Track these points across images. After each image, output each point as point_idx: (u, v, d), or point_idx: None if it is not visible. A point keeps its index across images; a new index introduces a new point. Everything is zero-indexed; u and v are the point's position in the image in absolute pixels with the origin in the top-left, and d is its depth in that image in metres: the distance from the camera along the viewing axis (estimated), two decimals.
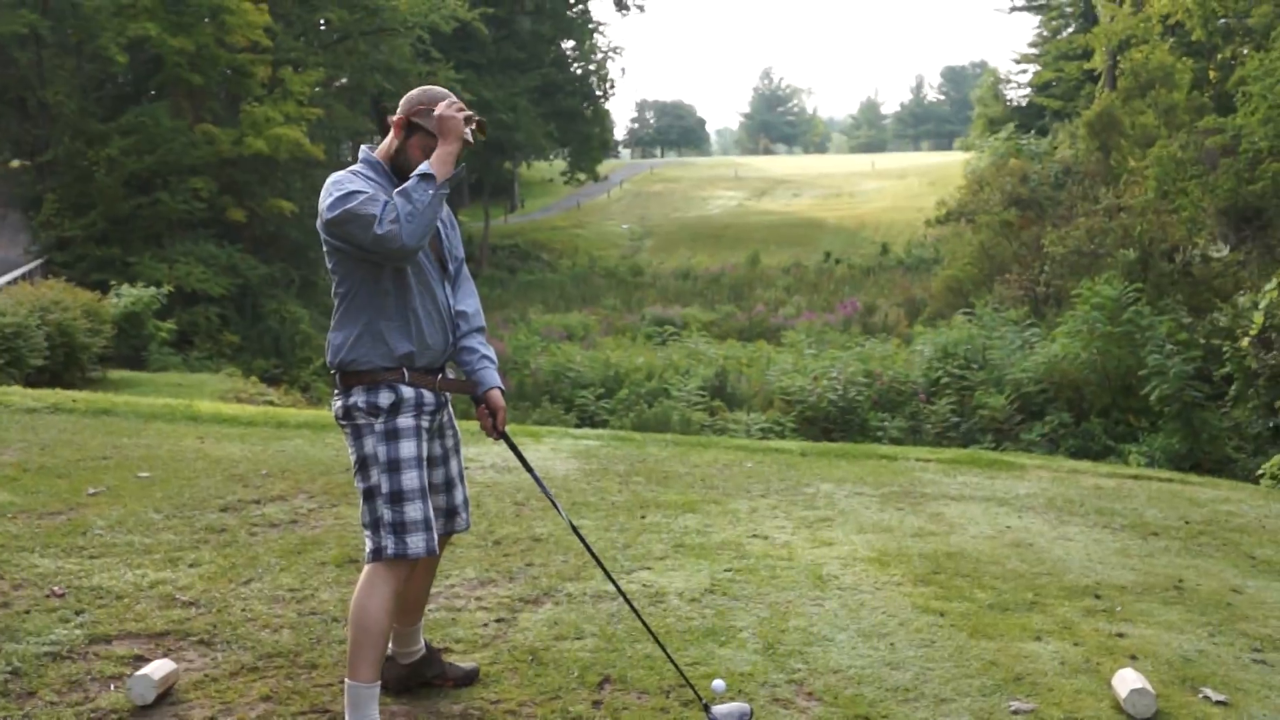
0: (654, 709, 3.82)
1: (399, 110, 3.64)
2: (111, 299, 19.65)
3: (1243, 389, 17.54)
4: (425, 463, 3.60)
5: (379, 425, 3.52)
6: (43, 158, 31.51)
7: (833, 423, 18.80)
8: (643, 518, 6.35)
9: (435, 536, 3.56)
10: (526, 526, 6.05)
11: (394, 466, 3.51)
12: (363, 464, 3.54)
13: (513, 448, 3.92)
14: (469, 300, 3.82)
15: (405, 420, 3.53)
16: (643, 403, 21.24)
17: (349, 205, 3.37)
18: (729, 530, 6.14)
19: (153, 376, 18.58)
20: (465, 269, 3.88)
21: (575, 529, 4.00)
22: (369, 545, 3.53)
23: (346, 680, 3.46)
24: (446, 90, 3.67)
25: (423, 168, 3.47)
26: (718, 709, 3.70)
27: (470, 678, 4.01)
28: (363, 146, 3.73)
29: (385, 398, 3.51)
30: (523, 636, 4.44)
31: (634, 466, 7.84)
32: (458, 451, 3.86)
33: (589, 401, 21.92)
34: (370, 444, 3.52)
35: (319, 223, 3.49)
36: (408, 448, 3.52)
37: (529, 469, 3.90)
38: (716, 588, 5.12)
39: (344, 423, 3.58)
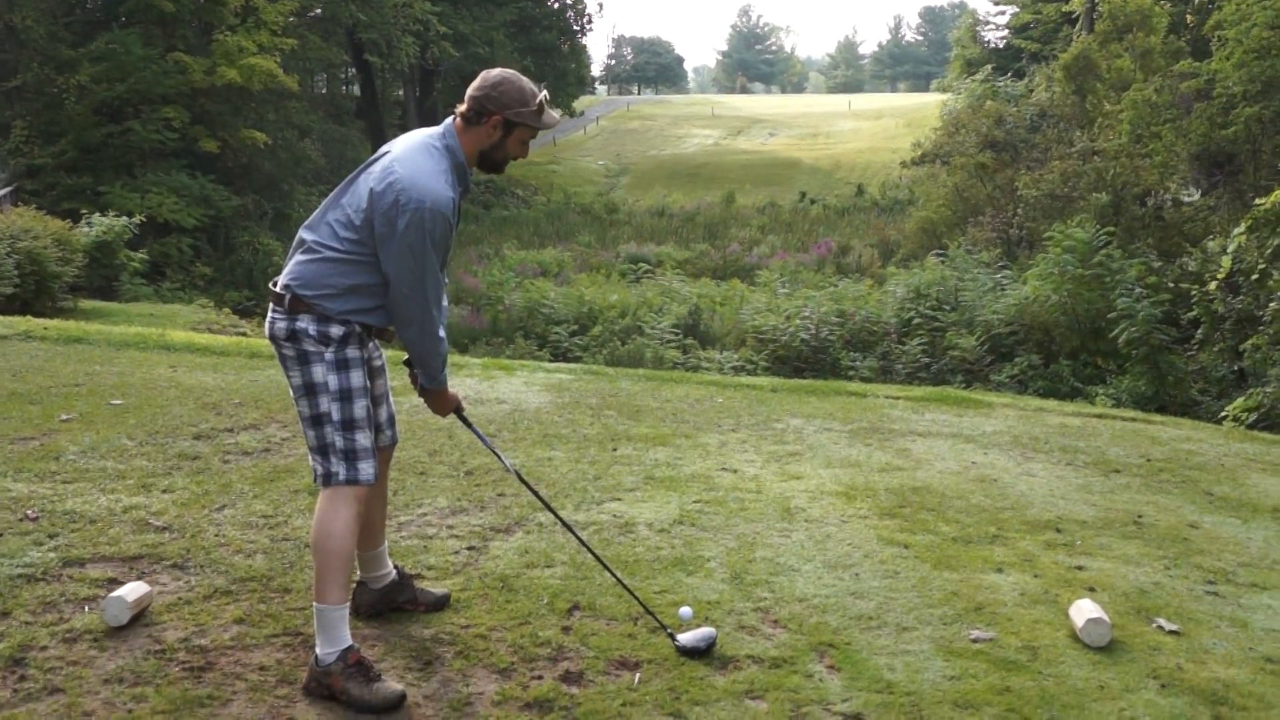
0: (622, 634, 3.90)
1: (490, 105, 3.57)
2: (82, 228, 19.48)
3: (1209, 333, 17.71)
4: (370, 392, 3.66)
5: (329, 354, 3.52)
6: (11, 84, 31.04)
7: (804, 362, 18.90)
8: (614, 450, 6.41)
9: (375, 465, 3.61)
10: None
11: (345, 395, 3.53)
12: (310, 390, 3.54)
13: (463, 420, 3.98)
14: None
15: (353, 351, 3.55)
16: (616, 340, 21.28)
17: (426, 296, 3.50)
18: (699, 463, 6.21)
19: (124, 307, 18.47)
20: None
21: (520, 477, 4.04)
22: (319, 470, 3.56)
23: (315, 604, 3.51)
24: (533, 86, 3.65)
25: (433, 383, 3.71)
26: (683, 636, 3.78)
27: (441, 603, 4.07)
28: (448, 124, 3.64)
29: (336, 330, 3.52)
30: (493, 564, 4.51)
31: (606, 400, 7.89)
32: (384, 371, 3.85)
33: (562, 338, 21.94)
34: (320, 372, 3.53)
35: (389, 225, 3.42)
36: (357, 377, 3.55)
37: (471, 428, 3.96)
38: (685, 519, 5.19)
39: (287, 345, 3.54)
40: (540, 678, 3.58)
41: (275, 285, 3.58)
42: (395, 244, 3.40)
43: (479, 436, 3.96)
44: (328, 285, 3.52)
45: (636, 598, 3.98)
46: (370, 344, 3.70)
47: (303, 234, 3.61)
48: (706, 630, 3.84)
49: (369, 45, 46.02)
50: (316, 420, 3.55)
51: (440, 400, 3.81)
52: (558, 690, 3.50)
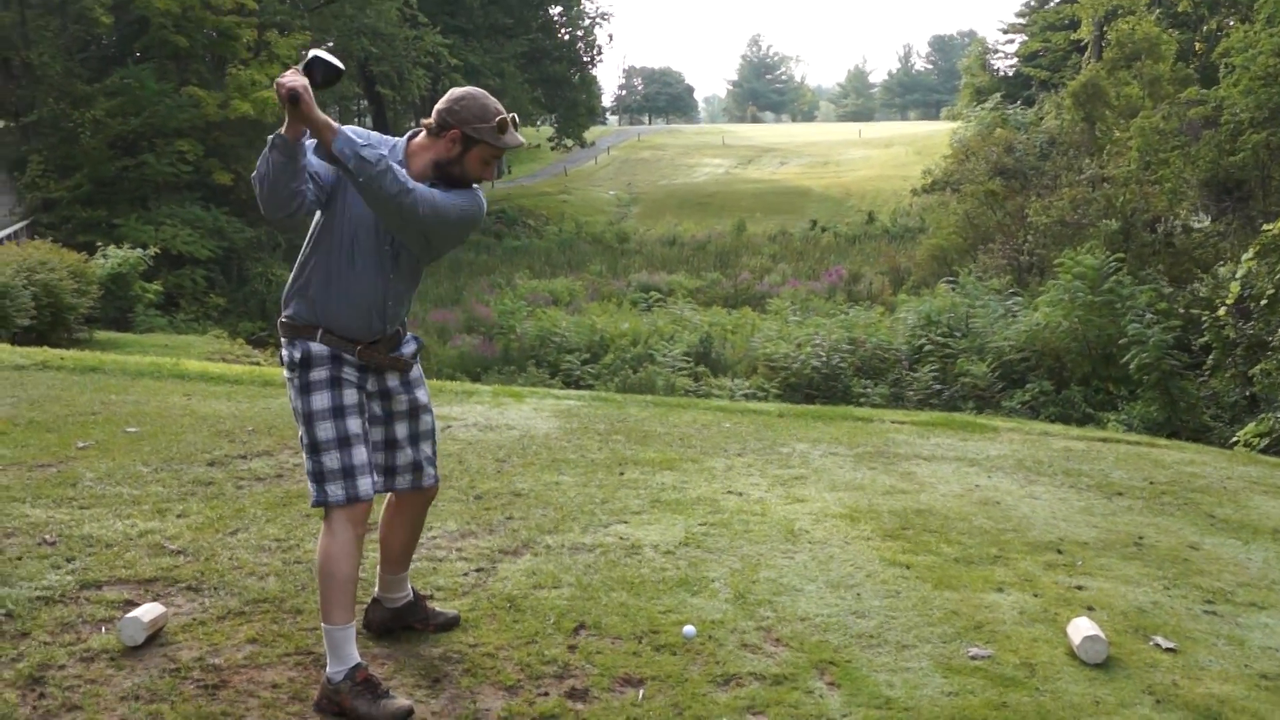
0: (627, 653, 3.97)
1: (450, 118, 3.62)
2: (98, 260, 19.71)
3: (1221, 358, 17.74)
4: (347, 411, 3.65)
5: (296, 379, 3.64)
6: (27, 118, 31.42)
7: (816, 389, 18.96)
8: (621, 474, 6.50)
9: (359, 485, 3.63)
10: (507, 482, 6.19)
11: (308, 419, 3.62)
12: (295, 415, 3.70)
13: None
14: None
15: (317, 374, 3.63)
16: (628, 368, 21.37)
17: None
18: (705, 487, 6.29)
19: (139, 338, 18.65)
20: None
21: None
22: (310, 493, 3.70)
23: (322, 624, 3.60)
24: (498, 105, 3.67)
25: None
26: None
27: (451, 624, 4.16)
28: (407, 136, 3.76)
29: (298, 352, 3.64)
30: (501, 585, 4.59)
31: (614, 426, 7.98)
32: (409, 417, 3.88)
33: (574, 366, 22.04)
34: (292, 397, 3.67)
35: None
36: (319, 400, 3.62)
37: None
38: (691, 540, 5.27)
39: (285, 375, 3.75)
40: (546, 694, 3.65)
41: None
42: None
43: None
44: (289, 285, 3.73)
45: None
46: (388, 383, 3.81)
47: None
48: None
49: (380, 78, 46.45)
50: (302, 444, 3.70)
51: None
52: (563, 706, 3.57)
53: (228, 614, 4.18)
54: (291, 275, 3.74)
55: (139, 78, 30.98)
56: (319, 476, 3.63)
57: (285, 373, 3.69)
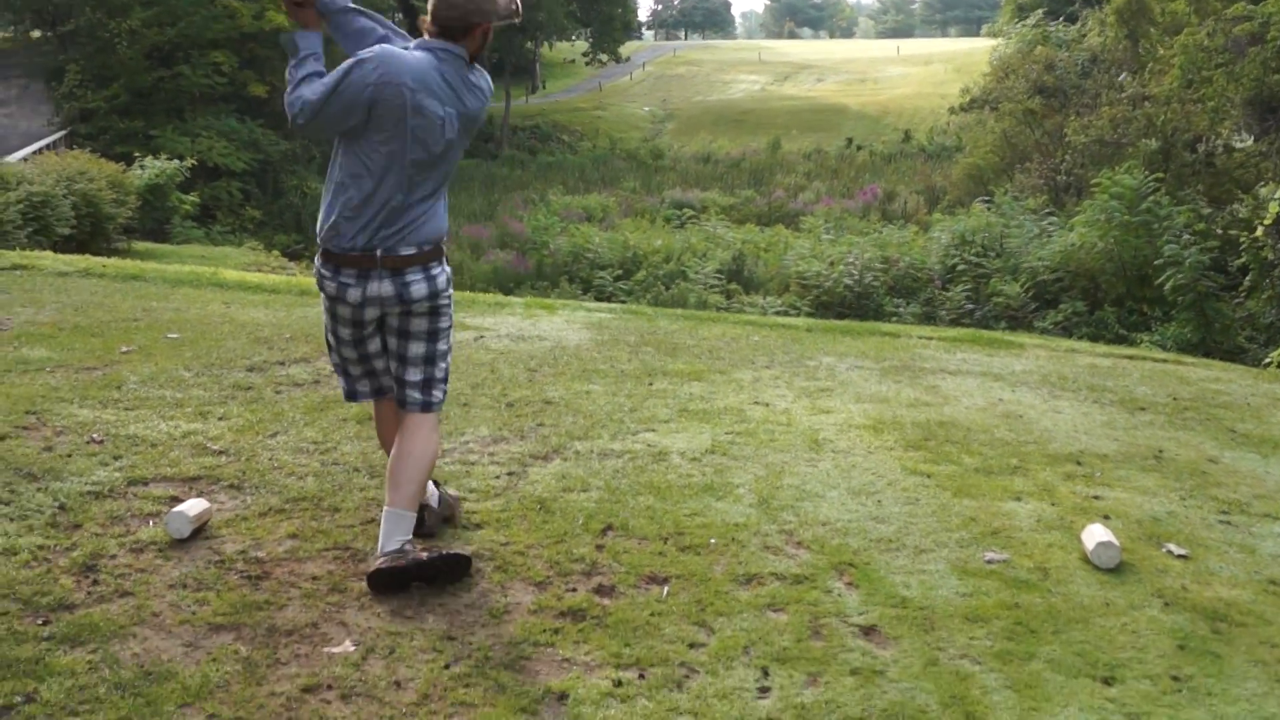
0: (652, 553, 4.12)
1: (477, 17, 3.72)
2: (135, 171, 19.87)
3: (1258, 279, 17.62)
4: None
5: (451, 297, 4.00)
6: (64, 28, 31.46)
7: (848, 307, 19.01)
8: (650, 384, 6.61)
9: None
10: (539, 390, 6.32)
11: (450, 334, 4.03)
12: (440, 332, 3.99)
13: None
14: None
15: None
16: (660, 284, 21.46)
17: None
18: (732, 397, 6.40)
19: (176, 249, 18.87)
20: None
21: None
22: None
23: (405, 510, 3.83)
24: None
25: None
26: None
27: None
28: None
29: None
30: (532, 488, 4.73)
31: (644, 338, 8.09)
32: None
33: (607, 282, 22.15)
34: (448, 314, 4.02)
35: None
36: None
37: None
38: (717, 449, 5.39)
39: (446, 293, 3.99)
40: (574, 590, 3.80)
41: None
42: None
43: None
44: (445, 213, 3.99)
45: None
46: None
47: None
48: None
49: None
50: (443, 356, 4.05)
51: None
52: (590, 601, 3.72)
53: (269, 511, 4.34)
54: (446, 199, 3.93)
55: None
56: (446, 379, 4.02)
57: (447, 288, 3.91)
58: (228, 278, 10.03)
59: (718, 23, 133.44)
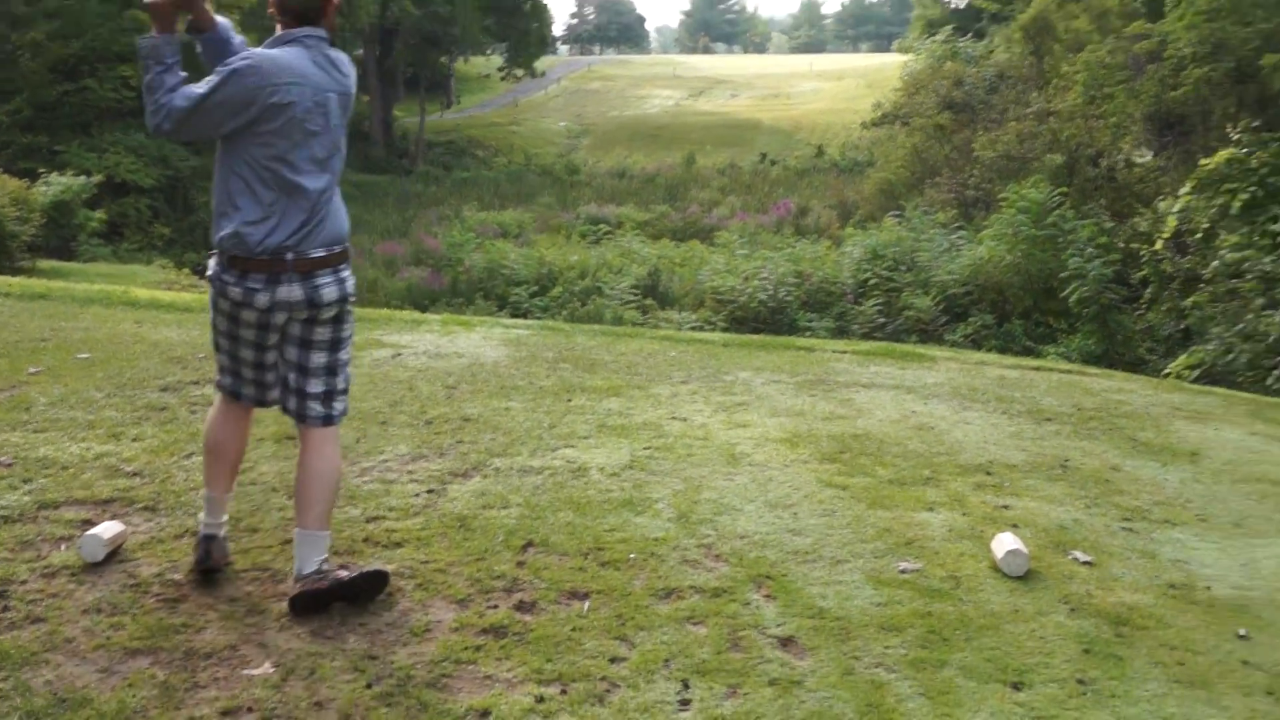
0: (572, 568, 4.15)
1: None
2: (40, 188, 19.47)
3: (1157, 292, 18.12)
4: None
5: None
6: None
7: (762, 322, 19.16)
8: (568, 401, 6.65)
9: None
10: (457, 408, 6.33)
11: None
12: (344, 341, 3.96)
13: None
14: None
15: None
16: (575, 300, 21.48)
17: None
18: (650, 412, 6.46)
19: (83, 267, 18.53)
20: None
21: None
22: None
23: (322, 531, 3.84)
24: None
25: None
26: None
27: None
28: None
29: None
30: (452, 505, 4.74)
31: (562, 354, 8.12)
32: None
33: (522, 298, 22.10)
34: (351, 321, 3.99)
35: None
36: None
37: None
38: (636, 464, 5.44)
39: (351, 298, 3.97)
40: (495, 607, 3.83)
41: None
42: None
43: None
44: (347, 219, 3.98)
45: None
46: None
47: None
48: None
49: None
50: (345, 366, 4.02)
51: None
52: (512, 618, 3.75)
53: (185, 533, 4.30)
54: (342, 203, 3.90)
55: None
56: (347, 391, 3.99)
57: (353, 294, 3.89)
58: (139, 296, 9.88)
59: (632, 38, 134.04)
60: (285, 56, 3.62)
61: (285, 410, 3.94)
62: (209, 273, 3.78)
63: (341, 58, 3.78)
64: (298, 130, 3.62)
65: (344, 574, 3.77)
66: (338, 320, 3.85)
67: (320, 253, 3.72)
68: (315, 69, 3.65)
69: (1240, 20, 20.54)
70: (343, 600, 3.76)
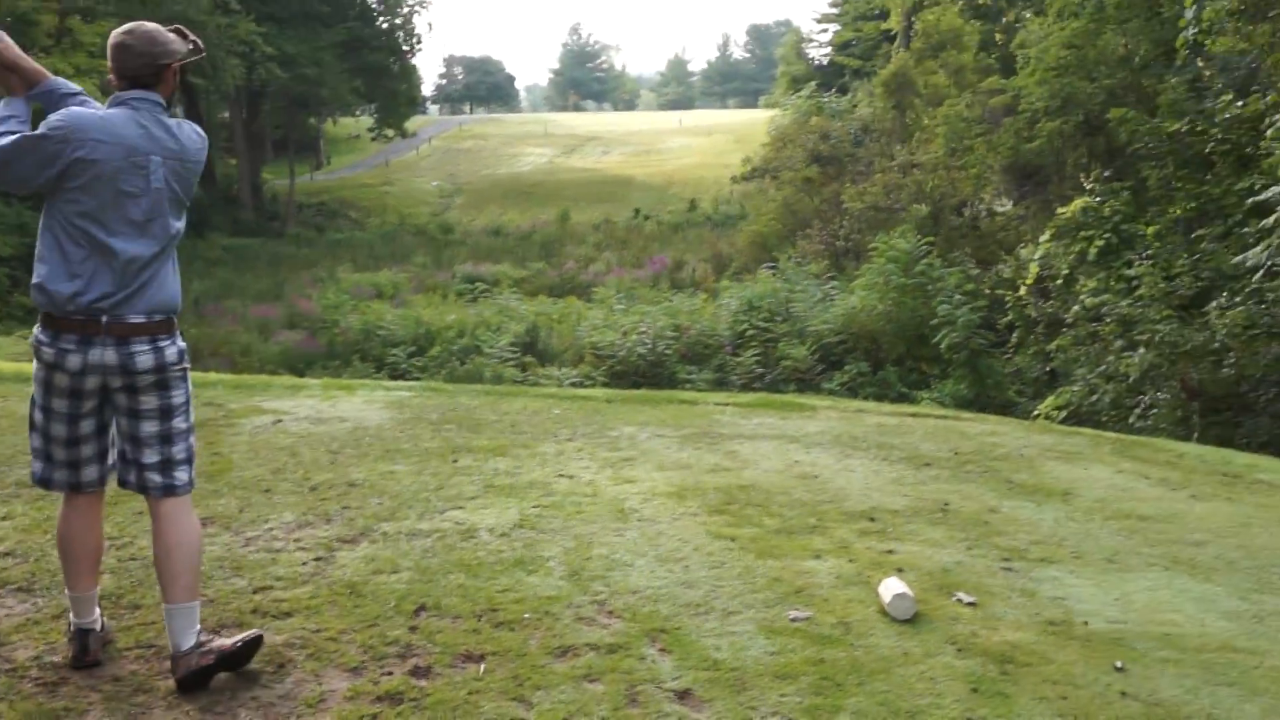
0: (467, 631, 4.13)
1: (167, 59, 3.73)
2: None
3: (1023, 336, 18.71)
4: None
5: (187, 369, 3.87)
6: None
7: (642, 376, 19.29)
8: (455, 462, 6.62)
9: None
10: (342, 473, 6.26)
11: (190, 406, 3.87)
12: (177, 408, 3.82)
13: None
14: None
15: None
16: (455, 360, 21.38)
17: None
18: (537, 471, 6.47)
19: None
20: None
21: None
22: None
23: (187, 604, 3.73)
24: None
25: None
26: None
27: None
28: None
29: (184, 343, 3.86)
30: (341, 572, 4.68)
31: (446, 415, 8.08)
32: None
33: (400, 359, 21.93)
34: (184, 386, 3.84)
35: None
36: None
37: None
38: (525, 523, 5.44)
39: (178, 365, 3.84)
40: (390, 673, 3.78)
41: None
42: None
43: None
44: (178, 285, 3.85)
45: None
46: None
47: None
48: None
49: (192, 66, 44.99)
50: (185, 433, 3.88)
51: None
52: (407, 684, 3.71)
53: (62, 612, 4.17)
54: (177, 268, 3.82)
55: None
56: (190, 460, 3.86)
57: (178, 363, 3.76)
58: (4, 369, 9.58)
59: (502, 96, 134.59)
60: (101, 115, 3.60)
61: (125, 485, 3.84)
62: (30, 338, 3.70)
63: (181, 124, 3.74)
64: (107, 189, 3.54)
65: (227, 643, 3.70)
66: (162, 387, 3.73)
67: (139, 319, 3.64)
68: (136, 130, 3.59)
69: (1086, 76, 21.44)
70: (226, 670, 3.69)
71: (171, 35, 3.75)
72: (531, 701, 3.62)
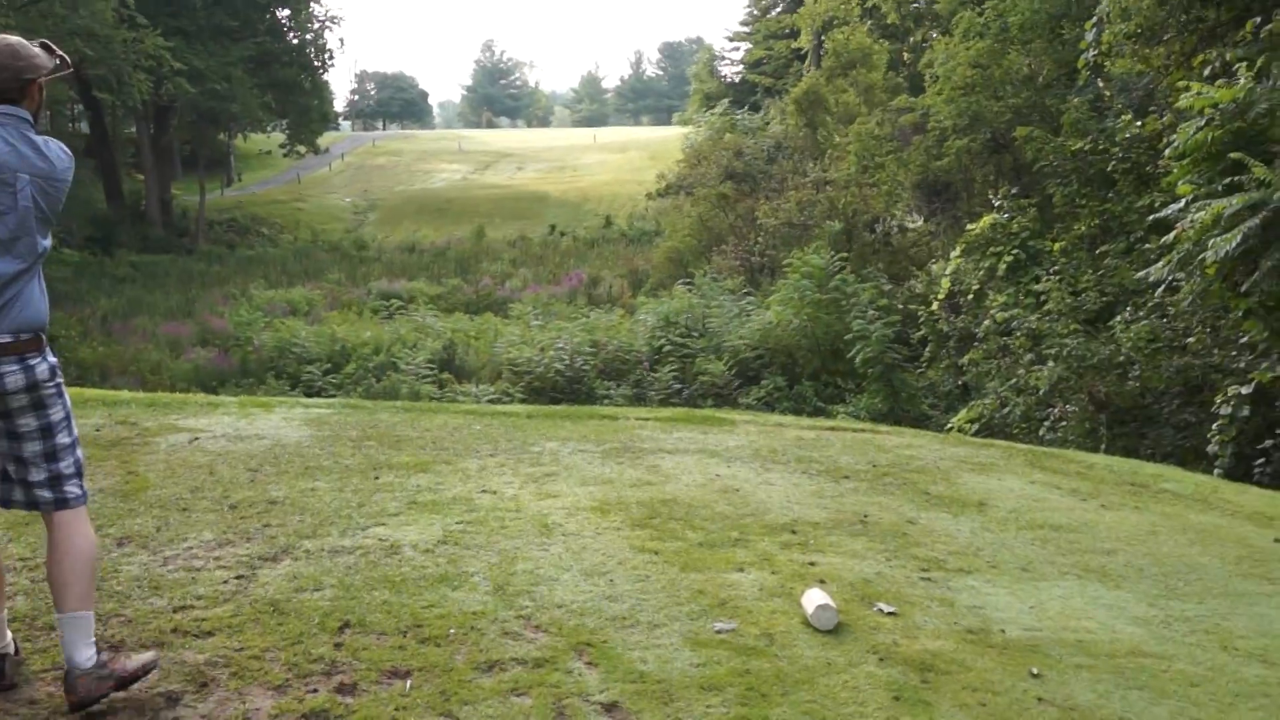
0: (392, 647, 4.11)
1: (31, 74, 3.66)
2: None
3: (935, 350, 19.03)
4: None
5: (60, 383, 3.79)
6: None
7: (560, 392, 19.31)
8: (376, 478, 6.58)
9: None
10: (262, 490, 6.19)
11: (70, 419, 3.82)
12: (54, 425, 3.77)
13: None
14: None
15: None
16: (371, 377, 21.24)
17: None
18: (460, 487, 6.45)
19: None
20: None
21: None
22: None
23: (82, 613, 3.66)
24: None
25: None
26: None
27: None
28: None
29: (55, 358, 3.77)
30: (263, 590, 4.64)
31: (366, 432, 8.03)
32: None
33: (316, 377, 21.73)
34: (58, 402, 3.78)
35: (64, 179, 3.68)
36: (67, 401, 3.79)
37: None
38: (449, 539, 5.43)
39: (48, 382, 3.76)
40: (315, 691, 3.76)
41: None
42: None
43: None
44: (47, 302, 3.78)
45: None
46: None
47: None
48: None
49: (97, 81, 44.19)
50: (68, 447, 3.82)
51: None
52: (333, 701, 3.69)
53: None
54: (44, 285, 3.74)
55: None
56: (80, 473, 3.78)
57: (50, 380, 3.68)
58: None
59: (416, 113, 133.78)
60: None
61: (11, 504, 3.79)
62: None
63: (48, 142, 3.67)
64: None
65: (129, 667, 3.66)
66: (38, 406, 3.68)
67: (6, 338, 3.58)
68: (3, 147, 3.53)
69: (992, 95, 21.91)
70: (118, 691, 3.65)
71: (37, 50, 3.67)
72: (459, 717, 3.62)
